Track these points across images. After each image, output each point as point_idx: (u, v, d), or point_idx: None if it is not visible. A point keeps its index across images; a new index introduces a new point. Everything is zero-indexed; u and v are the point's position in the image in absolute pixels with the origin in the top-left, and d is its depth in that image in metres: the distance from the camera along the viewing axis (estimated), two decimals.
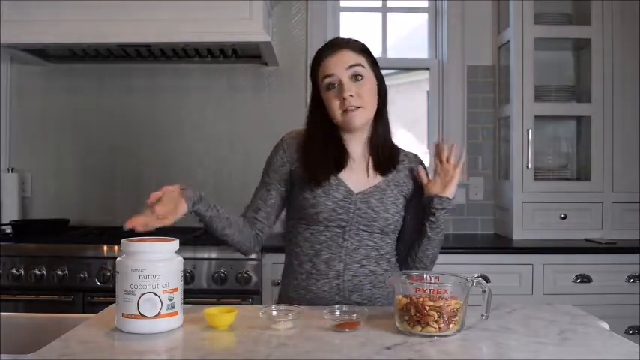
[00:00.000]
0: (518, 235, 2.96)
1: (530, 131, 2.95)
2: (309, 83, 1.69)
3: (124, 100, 3.23)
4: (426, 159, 3.33)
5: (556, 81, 3.15)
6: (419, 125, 3.49)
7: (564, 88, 3.10)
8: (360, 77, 1.58)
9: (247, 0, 2.69)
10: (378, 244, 1.64)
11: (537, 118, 2.99)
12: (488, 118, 3.28)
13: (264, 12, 2.76)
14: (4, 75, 3.22)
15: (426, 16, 3.41)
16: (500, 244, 2.94)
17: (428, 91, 3.39)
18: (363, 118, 1.59)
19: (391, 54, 3.42)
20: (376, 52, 1.68)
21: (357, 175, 1.65)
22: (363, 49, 1.63)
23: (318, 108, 1.63)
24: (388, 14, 3.41)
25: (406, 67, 3.52)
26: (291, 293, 1.67)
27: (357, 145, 1.66)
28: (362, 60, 1.60)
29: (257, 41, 2.73)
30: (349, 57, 1.59)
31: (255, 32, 2.71)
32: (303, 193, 1.62)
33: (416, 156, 1.77)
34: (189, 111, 3.23)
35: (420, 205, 1.68)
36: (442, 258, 2.61)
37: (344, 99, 1.56)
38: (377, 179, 1.66)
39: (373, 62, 1.64)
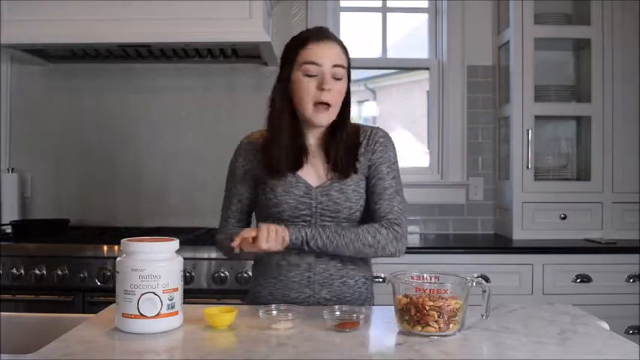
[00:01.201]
0: (519, 235, 2.96)
1: (530, 131, 2.95)
2: None
3: (123, 100, 3.22)
4: (426, 159, 3.36)
5: (556, 81, 3.15)
6: (419, 125, 3.49)
7: (564, 88, 3.10)
8: (339, 78, 1.59)
9: (247, 0, 2.70)
10: None
11: (537, 118, 2.99)
12: (488, 118, 3.27)
13: (264, 12, 2.76)
14: (4, 75, 3.21)
15: (426, 16, 3.40)
16: (501, 244, 2.94)
17: (428, 91, 3.39)
18: (330, 117, 1.60)
19: (391, 54, 3.40)
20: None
21: (315, 167, 1.65)
22: (345, 51, 1.64)
23: (281, 95, 1.64)
24: (388, 14, 3.40)
25: (406, 67, 3.51)
26: (260, 281, 1.68)
27: (313, 138, 1.66)
28: (344, 61, 1.61)
29: (257, 41, 2.73)
30: (337, 54, 1.59)
31: (255, 32, 2.71)
32: (266, 193, 1.64)
33: (373, 129, 1.70)
34: (189, 111, 3.23)
35: (368, 186, 1.66)
36: (442, 258, 2.66)
37: (323, 90, 1.55)
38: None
39: (349, 65, 1.65)
